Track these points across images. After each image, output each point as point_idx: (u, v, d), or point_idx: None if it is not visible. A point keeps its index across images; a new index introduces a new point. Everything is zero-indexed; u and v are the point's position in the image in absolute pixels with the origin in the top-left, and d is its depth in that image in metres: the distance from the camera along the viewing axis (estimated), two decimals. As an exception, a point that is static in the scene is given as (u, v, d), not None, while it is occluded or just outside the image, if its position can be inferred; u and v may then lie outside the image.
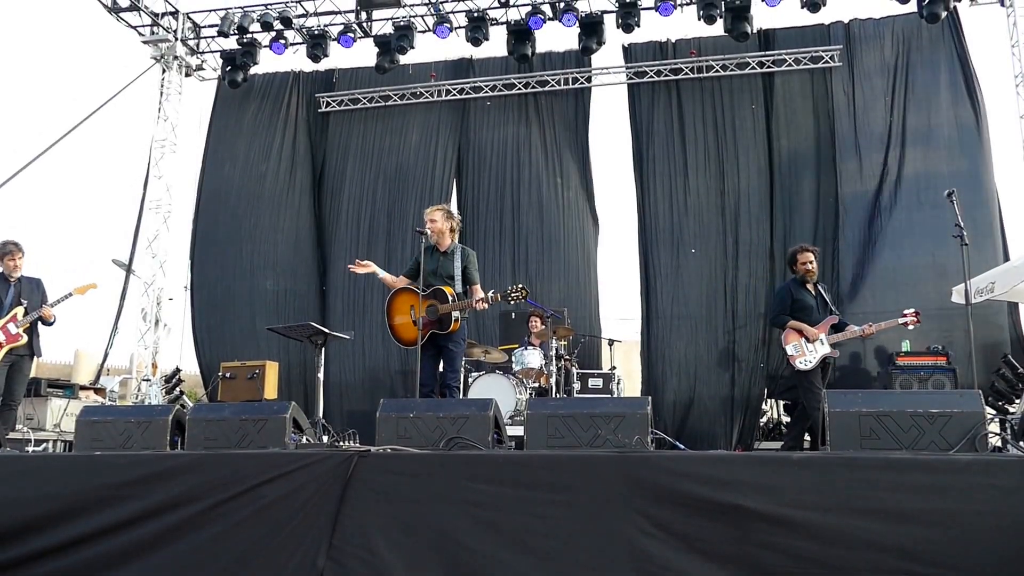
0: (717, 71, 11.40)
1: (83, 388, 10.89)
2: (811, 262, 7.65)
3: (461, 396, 7.77)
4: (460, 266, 6.96)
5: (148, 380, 12.24)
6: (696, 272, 10.94)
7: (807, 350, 7.46)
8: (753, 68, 11.30)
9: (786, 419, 11.41)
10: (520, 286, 6.79)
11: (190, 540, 3.90)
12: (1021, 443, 3.90)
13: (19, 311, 7.84)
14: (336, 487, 3.85)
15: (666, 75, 11.59)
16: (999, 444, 4.31)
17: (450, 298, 6.76)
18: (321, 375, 7.35)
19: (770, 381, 10.53)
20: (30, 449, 8.70)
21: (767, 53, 11.28)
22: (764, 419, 11.25)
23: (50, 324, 7.99)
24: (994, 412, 8.82)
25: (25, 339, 7.83)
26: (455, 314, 6.76)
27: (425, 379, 6.82)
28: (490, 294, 6.74)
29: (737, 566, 3.36)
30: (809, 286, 7.68)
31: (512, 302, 6.86)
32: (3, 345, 7.72)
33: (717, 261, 10.88)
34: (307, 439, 4.92)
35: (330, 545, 3.74)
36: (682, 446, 4.68)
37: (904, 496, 3.26)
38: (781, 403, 11.58)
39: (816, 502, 3.34)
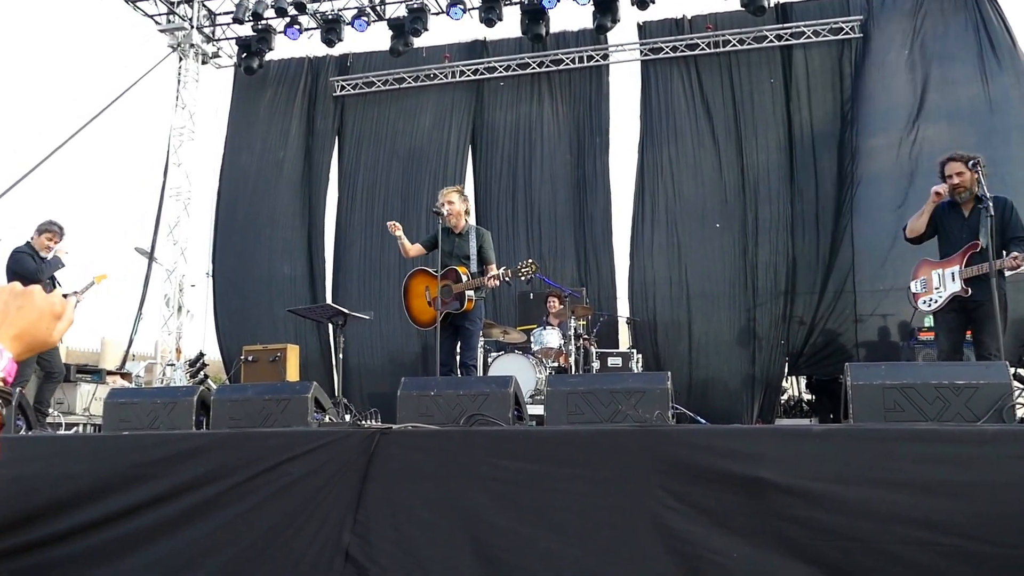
0: (734, 45, 11.31)
1: (110, 373, 11.02)
2: (957, 173, 6.20)
3: (480, 375, 7.82)
4: (475, 246, 7.00)
5: (172, 365, 12.36)
6: (717, 249, 10.89)
7: (934, 288, 6.25)
8: (771, 42, 11.21)
9: (807, 396, 11.42)
10: (530, 261, 6.84)
11: (216, 517, 3.94)
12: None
13: (58, 292, 7.89)
14: (359, 464, 3.87)
15: (682, 51, 11.53)
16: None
17: (464, 277, 6.79)
18: (341, 355, 7.38)
19: (791, 358, 10.50)
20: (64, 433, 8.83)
21: (785, 26, 11.18)
22: (785, 397, 11.25)
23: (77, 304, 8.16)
24: (1022, 385, 8.75)
25: None
26: (469, 293, 6.80)
27: (444, 359, 6.88)
28: (501, 271, 6.78)
29: (759, 539, 3.35)
30: (964, 206, 6.26)
31: (523, 277, 6.89)
32: None
33: (738, 238, 10.82)
34: (329, 418, 4.95)
35: (355, 521, 3.76)
36: (703, 420, 4.67)
37: (929, 468, 3.22)
38: (802, 380, 11.61)
39: (839, 474, 3.32)
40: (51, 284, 8.14)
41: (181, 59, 13.29)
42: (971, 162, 6.12)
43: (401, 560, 3.65)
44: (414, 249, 7.34)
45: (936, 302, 6.20)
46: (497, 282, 6.82)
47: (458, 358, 7.36)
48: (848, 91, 10.81)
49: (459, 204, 7.16)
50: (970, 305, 6.05)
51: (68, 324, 1.69)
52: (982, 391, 3.69)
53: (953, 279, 6.14)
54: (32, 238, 8.07)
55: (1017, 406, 3.83)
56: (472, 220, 7.44)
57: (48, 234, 8.10)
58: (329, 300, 11.87)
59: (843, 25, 10.91)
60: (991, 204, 5.80)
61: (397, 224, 7.34)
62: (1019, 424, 3.77)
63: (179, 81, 13.26)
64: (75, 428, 9.44)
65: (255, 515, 3.89)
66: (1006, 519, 3.11)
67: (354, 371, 11.94)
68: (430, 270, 7.06)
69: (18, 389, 5.30)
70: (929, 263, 6.41)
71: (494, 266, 7.04)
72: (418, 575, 3.60)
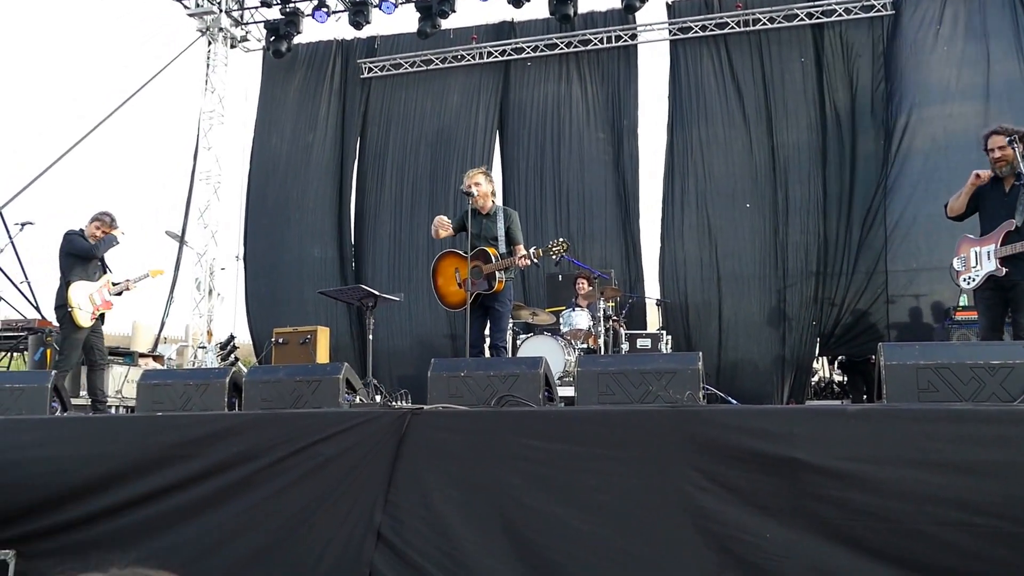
0: (764, 24, 11.17)
1: (142, 356, 11.13)
2: (999, 147, 6.02)
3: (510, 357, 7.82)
4: (503, 227, 6.99)
5: (204, 347, 12.47)
6: (747, 230, 10.80)
7: (972, 265, 6.13)
8: (802, 20, 11.04)
9: (838, 377, 11.34)
10: (561, 240, 6.81)
11: (249, 497, 3.98)
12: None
13: (109, 278, 8.17)
14: (391, 444, 3.89)
15: (711, 30, 11.40)
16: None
17: (493, 258, 6.79)
18: (371, 337, 7.40)
19: (822, 339, 10.42)
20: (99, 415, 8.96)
21: (816, 4, 11.00)
22: (816, 378, 11.18)
23: (125, 292, 8.35)
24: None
25: (113, 306, 8.22)
26: (499, 274, 6.79)
27: (474, 340, 6.88)
28: (531, 250, 6.75)
29: (792, 519, 3.34)
30: (1006, 182, 6.06)
31: (554, 257, 6.86)
32: (98, 309, 8.06)
33: (768, 218, 10.72)
34: (360, 399, 4.97)
35: (386, 501, 3.79)
36: (734, 401, 4.64)
37: (964, 448, 3.19)
38: (833, 362, 11.53)
39: (872, 455, 3.29)
40: (102, 267, 8.23)
41: (210, 43, 13.33)
42: (1011, 138, 5.94)
43: (433, 540, 3.67)
44: (448, 230, 7.36)
45: (974, 280, 6.12)
46: (527, 262, 6.79)
47: (488, 340, 7.37)
48: (880, 69, 10.63)
49: (485, 185, 7.15)
50: (1006, 284, 5.96)
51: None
52: (1018, 371, 3.62)
53: (989, 258, 6.04)
54: (84, 227, 8.17)
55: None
56: (499, 201, 7.41)
57: (97, 223, 8.15)
58: (359, 282, 11.92)
59: (874, 2, 10.73)
60: None
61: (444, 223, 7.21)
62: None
63: (208, 65, 13.31)
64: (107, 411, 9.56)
65: (287, 495, 3.93)
66: (1043, 499, 3.08)
67: (384, 353, 11.98)
68: (459, 252, 7.06)
69: (53, 372, 5.36)
70: (969, 240, 6.28)
71: (522, 247, 7.02)
72: (450, 555, 3.62)
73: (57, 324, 8.38)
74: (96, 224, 8.15)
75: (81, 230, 8.15)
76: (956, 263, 6.33)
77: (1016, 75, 9.94)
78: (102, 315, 8.20)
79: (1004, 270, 5.93)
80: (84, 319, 7.91)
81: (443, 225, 7.12)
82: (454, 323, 11.19)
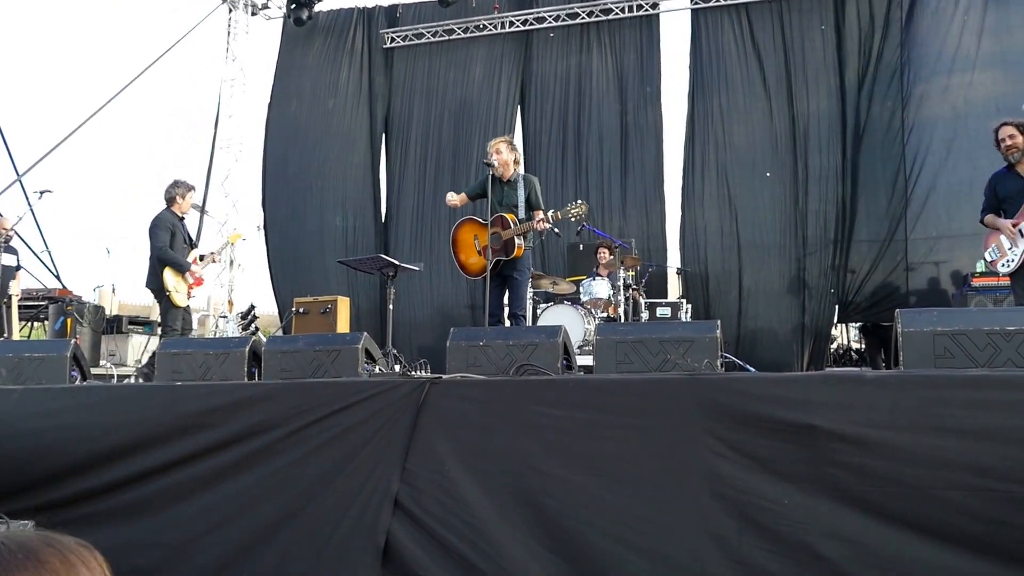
0: (787, -9, 11.04)
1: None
2: (1009, 136, 6.35)
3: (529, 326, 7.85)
4: (524, 194, 7.01)
5: (225, 317, 12.57)
6: (767, 199, 10.75)
7: (1007, 250, 6.29)
8: (823, -12, 10.92)
9: (857, 344, 11.33)
10: (580, 201, 6.82)
11: (269, 465, 4.03)
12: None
13: (196, 254, 8.33)
14: (409, 413, 3.93)
15: (733, -1, 11.28)
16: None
17: (512, 225, 6.81)
18: (391, 307, 7.44)
19: (841, 307, 10.40)
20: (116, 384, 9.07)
21: (839, -29, 10.87)
22: (835, 345, 11.16)
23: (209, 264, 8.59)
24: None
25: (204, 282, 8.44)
26: (518, 240, 6.81)
27: (492, 309, 6.92)
28: (550, 212, 6.76)
29: (810, 485, 3.35)
30: (1020, 167, 6.35)
31: (572, 219, 6.88)
32: (192, 287, 8.26)
33: (788, 187, 10.67)
34: (380, 369, 5.01)
35: (403, 469, 3.83)
36: (752, 369, 4.64)
37: (980, 413, 3.19)
38: (853, 329, 11.51)
39: (890, 421, 3.29)
40: (188, 243, 8.35)
41: (231, 10, 13.35)
42: (1021, 125, 6.21)
43: (450, 507, 3.71)
44: (460, 199, 7.39)
45: (1012, 262, 6.26)
46: (546, 224, 6.81)
47: (507, 309, 7.40)
48: (900, 37, 10.50)
49: (507, 154, 7.17)
50: None
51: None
52: (1034, 337, 3.63)
53: (1020, 234, 6.22)
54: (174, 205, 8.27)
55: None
56: (521, 170, 7.42)
57: (182, 195, 8.27)
58: (380, 252, 11.96)
59: (897, -31, 10.58)
60: None
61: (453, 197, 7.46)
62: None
63: (229, 33, 13.33)
64: (127, 379, 9.67)
65: (305, 464, 3.98)
66: (1058, 465, 3.08)
67: (405, 324, 12.04)
68: (478, 219, 7.09)
69: (73, 341, 5.43)
70: (996, 232, 6.47)
71: (553, 211, 7.04)
72: (468, 523, 3.66)
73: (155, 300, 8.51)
74: (184, 195, 8.29)
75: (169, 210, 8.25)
76: (988, 254, 6.50)
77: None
78: None
79: None
80: (181, 300, 8.14)
81: (452, 200, 7.25)
82: (474, 293, 11.22)
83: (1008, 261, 6.32)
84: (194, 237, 9.72)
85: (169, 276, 8.01)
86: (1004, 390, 3.23)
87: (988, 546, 3.11)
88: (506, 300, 7.33)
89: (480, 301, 6.97)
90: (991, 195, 6.62)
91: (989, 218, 6.59)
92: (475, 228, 7.10)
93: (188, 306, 8.41)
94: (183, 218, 8.36)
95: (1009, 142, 6.35)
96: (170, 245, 8.04)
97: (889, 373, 3.73)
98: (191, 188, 8.42)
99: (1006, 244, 6.35)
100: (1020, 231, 6.24)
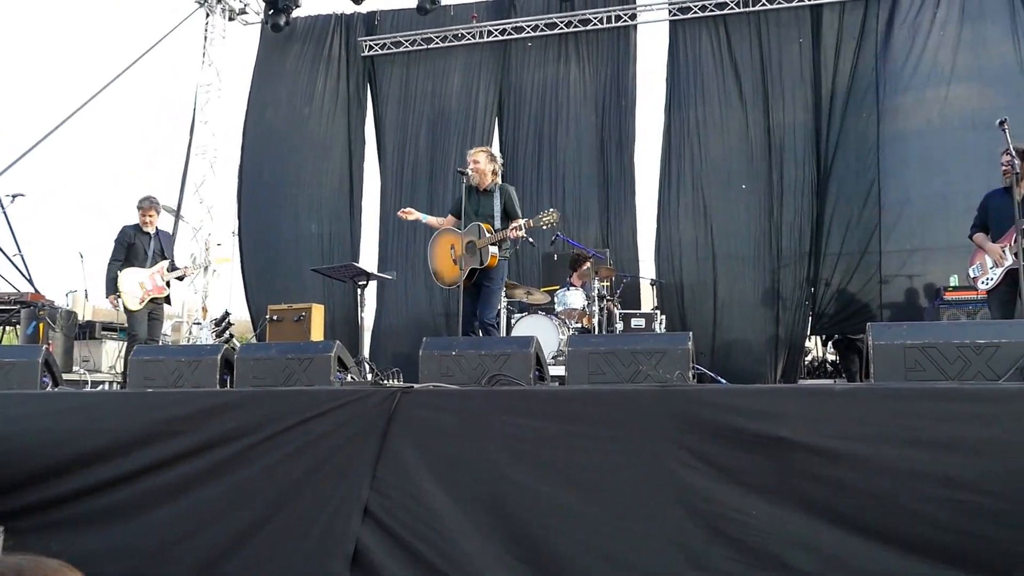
0: (764, 4, 11.12)
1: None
2: (1007, 162, 6.64)
3: (502, 335, 7.84)
4: (500, 204, 7.01)
5: (199, 324, 12.47)
6: (742, 210, 10.81)
7: (989, 268, 6.70)
8: (801, 0, 11.00)
9: (831, 357, 11.40)
10: (551, 210, 6.82)
11: (240, 473, 4.02)
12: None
13: (164, 265, 8.60)
14: (380, 422, 3.92)
15: (711, 10, 11.35)
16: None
17: (487, 235, 6.81)
18: (364, 315, 7.43)
19: (815, 319, 10.46)
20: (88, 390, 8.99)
21: (816, -16, 10.97)
22: (808, 357, 11.22)
23: (182, 279, 8.90)
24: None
25: (167, 292, 8.66)
26: (492, 249, 6.82)
27: (467, 318, 6.92)
28: (523, 221, 6.76)
29: (779, 496, 3.37)
30: (1018, 189, 6.53)
31: (544, 226, 6.88)
32: (149, 293, 8.51)
33: (763, 199, 10.73)
34: (352, 377, 4.99)
35: (374, 477, 3.82)
36: (723, 380, 4.66)
37: (950, 426, 3.23)
38: (822, 340, 11.58)
39: (859, 433, 3.32)
40: (156, 253, 8.64)
41: (208, 15, 13.25)
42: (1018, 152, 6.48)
43: (420, 516, 3.70)
44: (448, 221, 7.40)
45: (992, 279, 6.67)
46: (519, 233, 6.80)
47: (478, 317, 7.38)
48: (876, 50, 10.60)
49: (485, 164, 7.16)
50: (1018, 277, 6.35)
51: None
52: (1003, 350, 3.68)
53: (1005, 255, 6.59)
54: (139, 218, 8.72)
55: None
56: (500, 180, 7.42)
57: (143, 211, 8.65)
58: (356, 260, 11.91)
59: (873, -17, 10.71)
60: None
61: (408, 210, 7.63)
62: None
63: (206, 37, 13.23)
64: (101, 385, 9.58)
65: (275, 472, 3.97)
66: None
67: (381, 332, 12.04)
68: (456, 229, 7.09)
69: (45, 347, 5.39)
70: (981, 251, 6.83)
71: (527, 219, 7.03)
72: (437, 531, 3.66)
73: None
74: (143, 211, 8.69)
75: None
76: (972, 271, 6.91)
77: (1012, 58, 9.93)
78: (166, 298, 8.74)
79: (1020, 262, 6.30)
80: (130, 303, 8.45)
81: (407, 214, 7.34)
82: (449, 301, 11.21)
83: (988, 279, 6.71)
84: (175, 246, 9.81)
85: (121, 278, 8.45)
86: (974, 403, 3.27)
87: (957, 557, 3.13)
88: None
89: (456, 309, 6.96)
90: (983, 212, 6.98)
91: (978, 237, 6.93)
92: (452, 238, 7.10)
93: (153, 313, 8.60)
94: (149, 231, 8.65)
95: (1006, 167, 6.66)
96: (126, 258, 8.51)
97: (859, 386, 3.76)
98: (151, 203, 8.67)
99: (989, 263, 6.72)
100: (1004, 252, 6.59)
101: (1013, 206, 6.47)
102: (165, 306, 8.90)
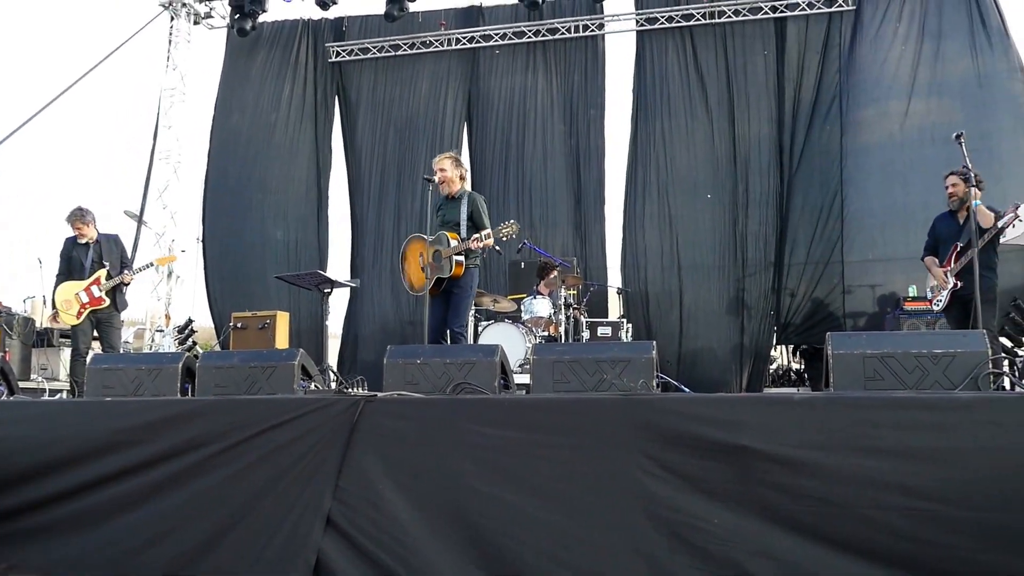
0: (729, 16, 11.24)
1: (96, 339, 10.99)
2: (953, 185, 7.01)
3: (470, 343, 7.83)
4: (466, 212, 6.99)
5: (161, 331, 12.34)
6: (708, 220, 10.90)
7: (939, 291, 7.09)
8: (766, 13, 11.13)
9: (796, 365, 11.50)
10: (511, 222, 6.81)
11: (200, 483, 3.97)
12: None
13: (102, 273, 8.40)
14: (343, 431, 3.90)
15: (678, 21, 11.45)
16: (1007, 385, 4.31)
17: (452, 243, 6.80)
18: (330, 323, 7.39)
19: (780, 328, 10.56)
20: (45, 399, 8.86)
21: (781, -2, 11.10)
22: (774, 366, 11.32)
23: (127, 285, 8.55)
24: (1005, 355, 8.81)
25: (107, 302, 8.38)
26: (458, 258, 6.81)
27: (435, 325, 6.92)
28: (483, 232, 6.75)
29: (740, 504, 3.39)
30: (960, 214, 7.00)
31: (504, 238, 6.88)
32: (86, 307, 8.34)
33: (728, 209, 10.83)
34: (315, 386, 4.96)
35: (336, 486, 3.79)
36: (687, 389, 4.69)
37: (906, 434, 3.26)
38: (790, 349, 11.68)
39: (819, 442, 3.35)
40: (94, 264, 8.47)
41: (173, 18, 13.13)
42: (966, 176, 6.69)
43: (383, 525, 3.68)
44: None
45: (943, 301, 7.06)
46: (480, 244, 6.78)
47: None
48: (839, 64, 10.76)
49: (451, 171, 7.16)
50: (965, 297, 6.79)
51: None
52: (959, 359, 3.76)
53: (948, 277, 6.99)
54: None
55: (997, 373, 3.88)
56: (468, 187, 7.41)
57: (72, 223, 8.50)
58: (323, 267, 11.85)
59: (837, -3, 10.86)
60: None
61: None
62: (994, 391, 3.81)
63: (170, 41, 13.10)
64: (59, 394, 9.44)
65: (238, 481, 3.93)
66: (980, 484, 3.16)
67: (348, 339, 12.00)
68: (425, 236, 7.07)
69: (2, 354, 5.32)
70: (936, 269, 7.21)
71: (489, 231, 7.00)
72: (400, 540, 3.64)
73: None
74: (72, 223, 8.52)
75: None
76: (928, 292, 7.34)
77: (970, 73, 10.16)
78: (114, 305, 8.49)
79: (959, 283, 6.88)
80: (64, 319, 8.39)
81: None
82: (416, 309, 11.20)
83: (939, 301, 7.13)
84: (131, 250, 9.67)
85: (58, 293, 8.41)
86: (931, 411, 3.31)
87: (915, 565, 3.16)
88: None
89: (423, 317, 6.95)
90: (932, 235, 7.33)
91: (928, 260, 7.30)
92: (421, 246, 7.09)
93: (107, 321, 8.48)
94: (86, 242, 8.51)
95: (951, 190, 7.00)
96: (67, 271, 8.48)
97: (818, 395, 3.80)
98: (75, 216, 8.51)
99: (938, 285, 7.15)
100: (947, 275, 6.98)
101: (956, 229, 6.94)
102: (124, 312, 8.78)
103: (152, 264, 8.46)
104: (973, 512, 3.14)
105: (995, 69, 10.07)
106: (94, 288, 8.29)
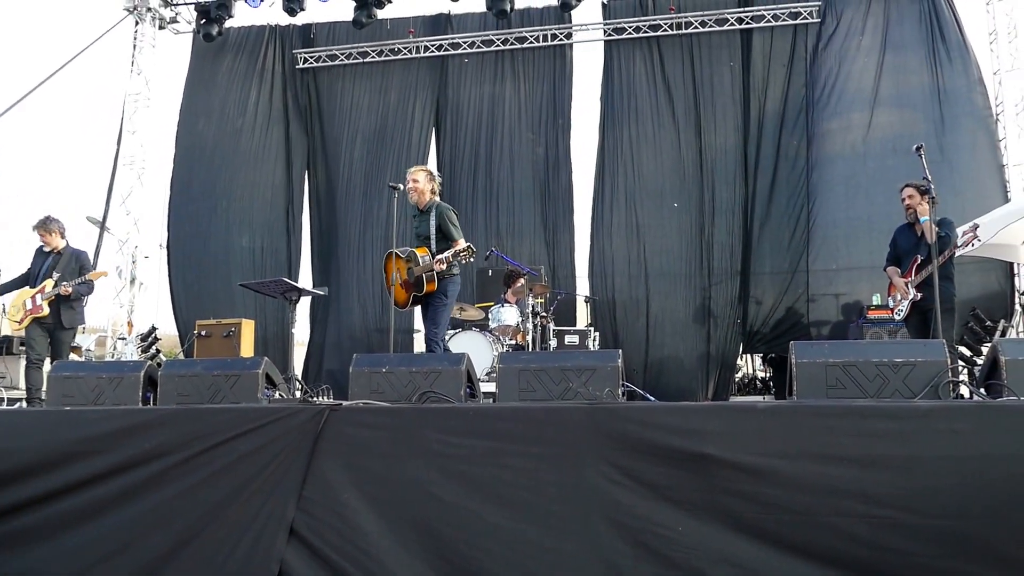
0: (696, 27, 11.32)
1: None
2: (909, 197, 7.06)
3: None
4: (435, 224, 6.97)
5: (124, 339, 12.19)
6: (675, 229, 10.96)
7: (900, 301, 7.17)
8: (732, 25, 11.22)
9: (762, 374, 11.59)
10: (467, 245, 6.73)
11: (163, 493, 3.93)
12: (981, 390, 3.95)
13: (48, 283, 8.27)
14: (307, 440, 3.88)
15: (645, 31, 11.52)
16: (965, 393, 4.37)
17: (421, 260, 6.79)
18: (296, 331, 7.34)
19: (746, 337, 10.62)
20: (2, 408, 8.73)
21: (746, 9, 11.19)
22: (740, 374, 11.38)
23: (70, 298, 8.27)
24: (964, 363, 8.95)
25: (46, 311, 8.20)
26: (429, 274, 6.78)
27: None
28: (447, 254, 6.69)
29: (704, 512, 3.41)
30: (918, 226, 7.04)
31: (463, 262, 6.85)
32: (28, 314, 8.27)
33: (695, 218, 10.90)
34: (280, 395, 4.92)
35: (300, 496, 3.77)
36: (652, 398, 4.71)
37: (867, 442, 3.31)
38: (758, 358, 11.77)
39: (781, 450, 3.39)
40: (42, 273, 8.39)
41: (137, 23, 12.98)
42: (924, 188, 6.72)
43: (347, 535, 3.67)
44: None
45: (903, 311, 7.15)
46: (441, 266, 6.74)
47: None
48: (805, 75, 10.89)
49: (424, 183, 7.12)
50: (924, 308, 6.91)
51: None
52: (920, 368, 3.81)
53: (908, 288, 7.08)
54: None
55: (956, 382, 3.94)
56: (436, 198, 7.36)
57: (37, 231, 8.49)
58: (292, 275, 11.76)
59: (801, 9, 10.96)
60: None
61: None
62: (953, 400, 3.86)
63: (135, 46, 12.95)
64: (18, 403, 9.28)
65: (200, 491, 3.89)
66: (939, 491, 3.22)
67: (315, 347, 11.92)
68: (399, 252, 7.05)
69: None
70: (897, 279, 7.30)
71: (460, 242, 6.92)
72: (364, 550, 3.63)
73: None
74: (37, 232, 8.52)
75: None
76: (890, 301, 7.42)
77: (930, 86, 10.35)
78: (59, 319, 8.29)
79: (920, 295, 6.97)
80: (12, 326, 8.51)
81: None
82: (381, 317, 11.17)
83: (900, 311, 7.20)
84: (96, 253, 9.55)
85: (10, 299, 8.50)
86: (890, 420, 3.35)
87: (874, 571, 3.21)
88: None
89: (388, 325, 6.94)
90: (893, 246, 7.40)
91: (890, 270, 7.39)
92: (396, 263, 7.09)
93: (56, 336, 8.36)
94: (49, 251, 8.48)
95: (908, 202, 7.07)
96: (22, 277, 8.51)
97: (780, 403, 3.85)
98: (39, 225, 8.48)
99: (899, 295, 7.21)
100: (907, 286, 7.08)
101: (915, 242, 7.06)
102: (81, 326, 8.71)
103: (84, 279, 8.33)
104: (932, 519, 3.19)
105: (955, 83, 10.26)
106: (37, 296, 8.22)
